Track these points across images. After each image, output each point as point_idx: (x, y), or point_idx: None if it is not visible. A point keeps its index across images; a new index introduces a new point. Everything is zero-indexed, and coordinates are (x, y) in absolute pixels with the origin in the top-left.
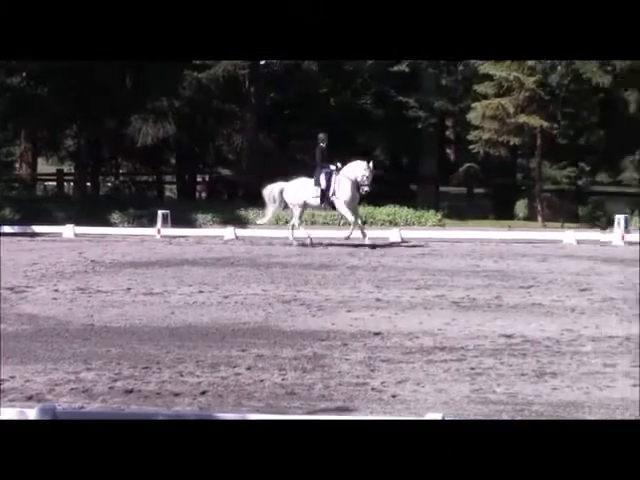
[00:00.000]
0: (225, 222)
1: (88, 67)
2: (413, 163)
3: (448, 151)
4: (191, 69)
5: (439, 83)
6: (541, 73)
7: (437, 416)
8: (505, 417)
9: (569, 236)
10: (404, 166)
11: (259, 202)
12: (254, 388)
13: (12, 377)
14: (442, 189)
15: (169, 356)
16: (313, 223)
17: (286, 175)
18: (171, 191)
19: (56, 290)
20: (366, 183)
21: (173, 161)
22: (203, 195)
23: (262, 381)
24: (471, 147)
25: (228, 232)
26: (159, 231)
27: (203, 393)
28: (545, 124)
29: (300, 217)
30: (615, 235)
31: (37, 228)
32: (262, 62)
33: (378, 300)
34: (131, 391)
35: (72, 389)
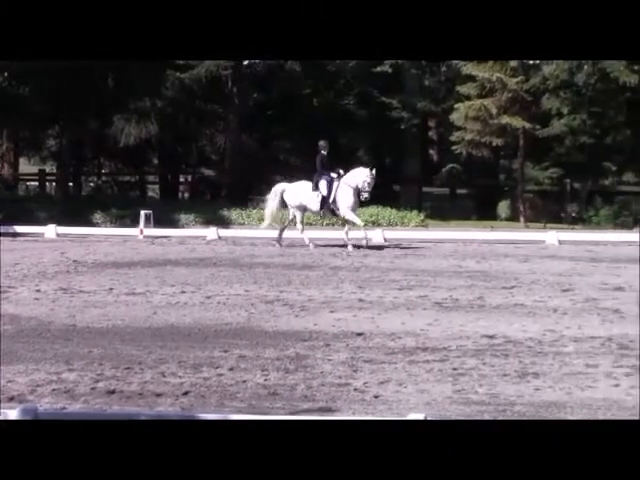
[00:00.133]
0: (208, 222)
1: (70, 67)
2: (396, 164)
3: (431, 152)
4: (174, 69)
5: (422, 84)
6: (523, 74)
7: (419, 416)
8: (487, 417)
9: (551, 237)
10: (387, 167)
11: (242, 202)
12: (236, 389)
13: None
14: (425, 190)
15: (151, 356)
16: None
17: (269, 176)
18: (154, 191)
19: (38, 290)
20: (367, 190)
21: (156, 161)
22: (186, 195)
23: (244, 382)
24: (454, 148)
25: (211, 232)
26: (142, 231)
27: (185, 394)
28: (527, 125)
29: (302, 220)
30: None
31: (19, 228)
32: (245, 62)
33: (361, 300)
34: (113, 392)
35: (54, 390)
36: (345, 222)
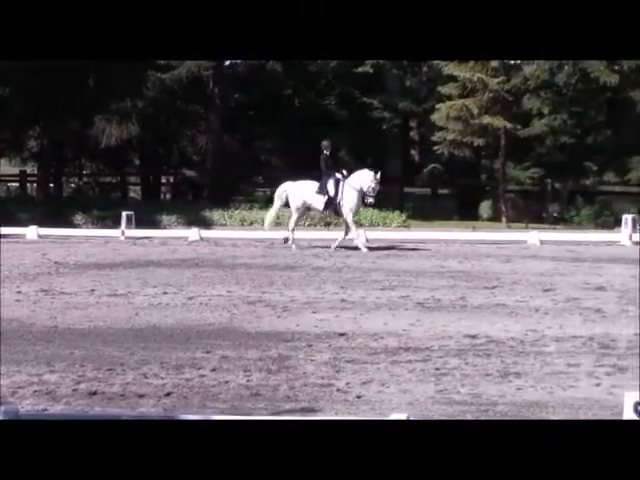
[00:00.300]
0: (190, 223)
1: (51, 67)
2: (378, 164)
3: (412, 152)
4: (155, 70)
5: (403, 84)
6: (505, 74)
7: (402, 416)
8: (469, 417)
9: (533, 237)
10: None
11: (223, 203)
12: (219, 389)
13: None
14: (407, 190)
15: (133, 358)
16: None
17: (251, 176)
18: (135, 192)
19: (19, 292)
20: (372, 194)
21: (137, 162)
22: (168, 196)
23: (227, 382)
24: (435, 148)
25: (193, 233)
26: (123, 232)
27: (168, 395)
28: (509, 125)
29: (296, 220)
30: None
31: (0, 230)
32: (227, 63)
33: (343, 301)
34: (95, 393)
35: (35, 391)
36: (346, 224)
